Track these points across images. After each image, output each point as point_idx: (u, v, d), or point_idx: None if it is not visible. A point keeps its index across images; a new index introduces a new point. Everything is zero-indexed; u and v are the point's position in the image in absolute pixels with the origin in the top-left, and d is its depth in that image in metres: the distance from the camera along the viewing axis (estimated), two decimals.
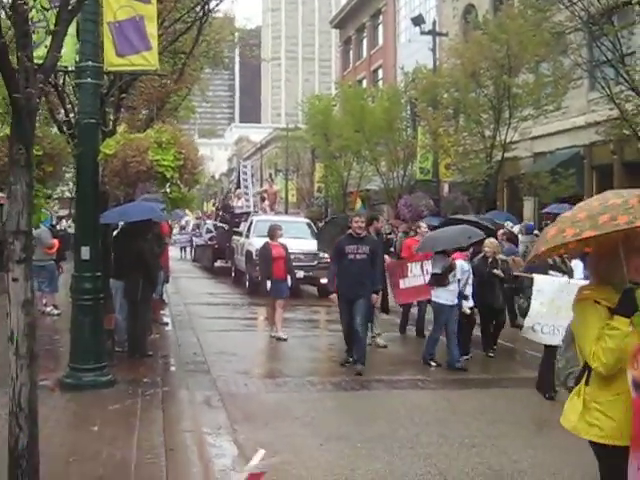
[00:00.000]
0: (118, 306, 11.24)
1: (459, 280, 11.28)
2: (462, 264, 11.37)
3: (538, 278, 9.04)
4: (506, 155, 23.76)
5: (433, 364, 11.08)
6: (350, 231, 11.07)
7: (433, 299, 11.27)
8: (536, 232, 20.46)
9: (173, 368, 10.60)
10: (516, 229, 20.41)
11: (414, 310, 14.18)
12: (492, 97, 23.44)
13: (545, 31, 20.57)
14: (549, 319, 8.76)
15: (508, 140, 23.38)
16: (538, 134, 25.52)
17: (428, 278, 12.21)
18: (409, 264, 12.62)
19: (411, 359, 12.08)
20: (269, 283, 13.14)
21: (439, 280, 11.10)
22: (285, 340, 13.11)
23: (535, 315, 8.93)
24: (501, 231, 15.54)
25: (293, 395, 9.40)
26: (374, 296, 11.12)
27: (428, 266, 12.39)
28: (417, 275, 12.46)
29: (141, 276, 11.07)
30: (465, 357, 11.42)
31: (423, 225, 14.33)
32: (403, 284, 12.56)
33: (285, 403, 9.00)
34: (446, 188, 30.99)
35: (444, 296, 11.08)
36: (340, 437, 7.47)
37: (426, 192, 28.30)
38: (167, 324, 14.74)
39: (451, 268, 11.06)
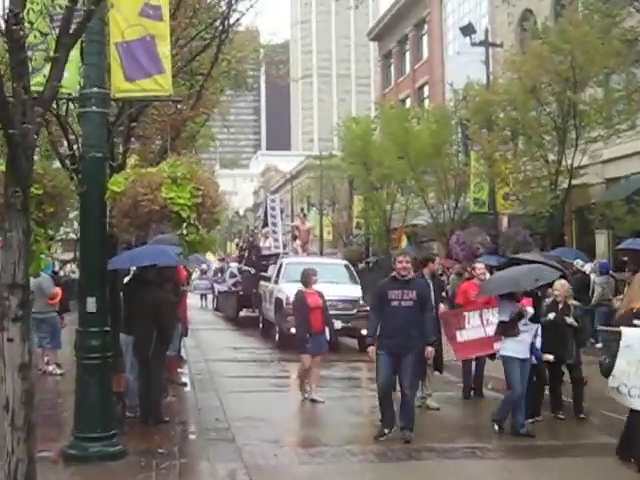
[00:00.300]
0: (129, 365, 11.27)
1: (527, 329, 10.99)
2: (530, 310, 11.18)
3: (627, 332, 8.82)
4: (574, 182, 23.61)
5: (497, 428, 10.90)
6: (394, 273, 10.81)
7: (501, 352, 11.01)
8: (612, 273, 20.23)
9: (192, 436, 10.58)
10: (587, 268, 20.23)
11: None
12: (555, 116, 23.37)
13: (614, 39, 20.53)
14: (638, 380, 8.60)
15: (575, 165, 23.25)
16: (610, 157, 25.32)
17: (490, 329, 12.14)
18: (467, 314, 12.60)
19: (468, 424, 11.95)
20: (309, 339, 13.13)
21: (507, 329, 10.83)
22: (322, 403, 13.02)
23: (620, 375, 8.72)
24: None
25: (329, 467, 9.31)
26: (428, 349, 10.66)
27: (489, 315, 12.35)
28: (477, 326, 12.42)
29: (155, 329, 11.10)
30: (531, 420, 11.22)
31: (479, 266, 14.21)
32: (461, 337, 12.51)
33: (321, 476, 8.92)
34: (505, 222, 30.83)
35: (514, 348, 10.78)
36: None
37: (482, 227, 28.14)
38: (185, 384, 14.74)
39: (521, 315, 10.77)
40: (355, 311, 19.83)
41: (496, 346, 12.47)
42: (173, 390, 13.53)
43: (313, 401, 13.10)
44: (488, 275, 21.06)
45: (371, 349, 10.68)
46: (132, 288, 11.43)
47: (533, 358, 11.24)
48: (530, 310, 11.00)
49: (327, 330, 13.40)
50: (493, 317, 12.24)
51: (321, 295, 13.44)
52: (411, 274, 10.80)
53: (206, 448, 9.72)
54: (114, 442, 9.05)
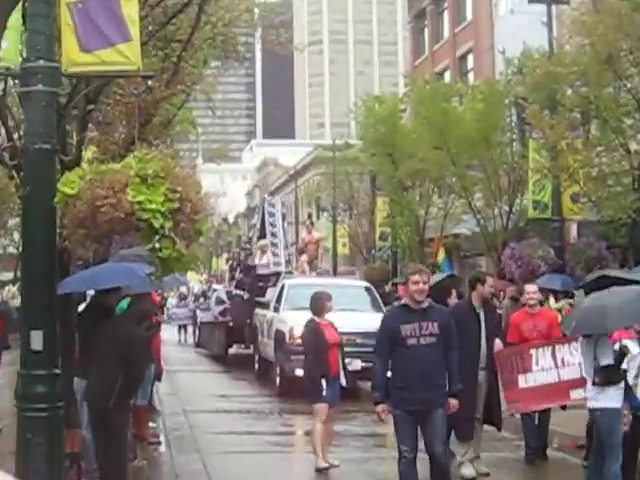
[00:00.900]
0: (86, 418, 11.29)
1: (625, 370, 10.38)
2: (632, 345, 10.55)
3: None
4: None
5: None
6: (404, 300, 10.29)
7: (599, 406, 10.24)
8: None
9: None
10: None
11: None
12: (638, 93, 23.36)
13: None
14: None
15: None
16: None
17: (565, 372, 12.10)
18: (534, 351, 12.51)
19: None
20: (324, 384, 12.96)
21: (612, 375, 10.21)
22: (337, 467, 12.97)
23: None
24: None
25: None
26: (452, 402, 10.10)
27: (565, 353, 12.25)
28: (548, 368, 12.34)
29: (119, 372, 11.09)
30: None
31: (530, 288, 14.00)
32: (525, 382, 12.42)
33: None
34: (574, 231, 30.80)
35: (616, 397, 10.23)
36: None
37: (543, 238, 28.13)
38: (159, 443, 14.76)
39: (623, 354, 10.21)
40: None
41: (574, 394, 12.38)
42: (143, 451, 13.54)
43: (327, 467, 12.92)
44: (553, 301, 21.16)
45: (381, 408, 10.02)
46: (89, 318, 11.41)
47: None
48: (633, 346, 10.43)
49: (342, 373, 13.34)
50: (571, 356, 12.17)
51: (334, 326, 13.46)
52: (428, 300, 10.09)
53: None
54: None
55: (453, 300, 13.58)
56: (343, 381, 13.30)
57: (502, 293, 23.92)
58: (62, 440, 9.36)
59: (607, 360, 10.11)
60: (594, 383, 10.25)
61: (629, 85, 23.71)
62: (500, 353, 12.62)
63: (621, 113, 23.82)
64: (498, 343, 12.76)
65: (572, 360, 12.18)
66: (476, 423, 12.39)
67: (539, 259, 26.46)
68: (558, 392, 12.37)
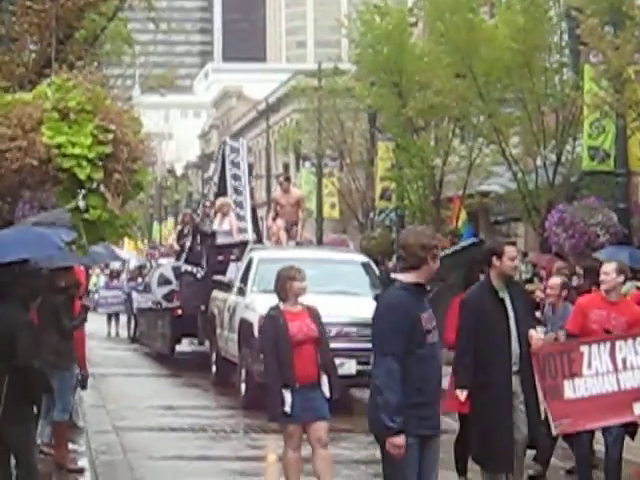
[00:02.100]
0: None
1: None
2: None
3: None
4: None
5: None
6: (416, 277, 9.76)
7: None
8: None
9: None
10: None
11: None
12: None
13: None
14: None
15: None
16: None
17: (629, 378, 12.10)
18: (585, 348, 12.30)
19: None
20: (288, 396, 12.89)
21: None
22: None
23: None
24: None
25: None
26: None
27: (628, 353, 12.13)
28: (605, 372, 12.17)
29: (5, 375, 11.09)
30: None
31: (609, 268, 13.80)
32: (573, 391, 12.27)
33: None
34: None
35: None
36: None
37: (604, 198, 28.30)
38: (82, 471, 14.84)
39: None
40: None
41: (638, 410, 12.37)
42: (59, 476, 13.63)
43: None
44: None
45: (403, 441, 9.31)
46: None
47: None
48: None
49: (324, 380, 13.21)
50: (637, 356, 12.07)
51: (314, 315, 13.15)
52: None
53: None
54: None
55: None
56: (326, 391, 13.05)
57: (546, 272, 24.00)
58: None
59: None
60: None
61: None
62: (540, 351, 12.11)
63: None
64: (537, 336, 12.28)
65: (638, 362, 12.03)
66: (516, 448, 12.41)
67: (598, 226, 26.61)
68: (618, 406, 12.09)
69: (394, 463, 9.26)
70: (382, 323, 9.34)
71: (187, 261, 29.38)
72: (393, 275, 9.68)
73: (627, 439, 13.65)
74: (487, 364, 11.68)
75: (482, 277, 13.24)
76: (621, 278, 13.09)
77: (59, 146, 8.71)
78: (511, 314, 11.83)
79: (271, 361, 12.85)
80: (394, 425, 8.99)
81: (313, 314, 12.77)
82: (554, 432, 12.41)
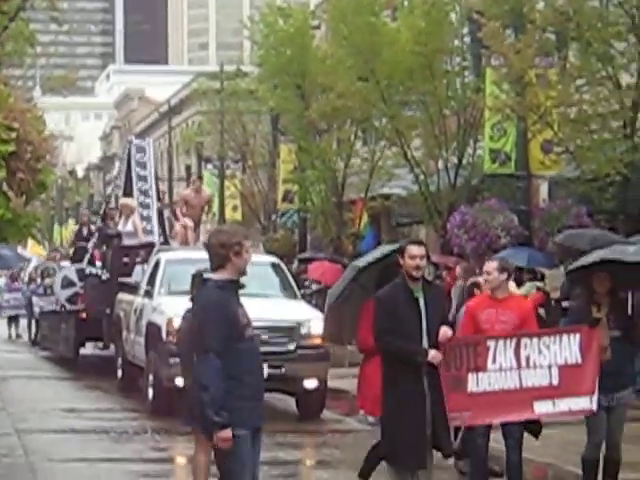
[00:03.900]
0: None
1: None
2: None
3: None
4: None
5: None
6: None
7: None
8: None
9: None
10: None
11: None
12: (633, 7, 23.69)
13: None
14: None
15: None
16: None
17: (531, 376, 12.15)
18: (491, 343, 12.30)
19: None
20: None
21: None
22: None
23: None
24: None
25: None
26: None
27: (532, 351, 12.19)
28: (508, 368, 12.22)
29: None
30: None
31: (490, 266, 14.05)
32: (475, 384, 12.29)
33: None
34: (544, 190, 31.19)
35: None
36: None
37: (504, 200, 28.48)
38: None
39: None
40: (293, 347, 19.66)
41: (539, 409, 12.44)
42: None
43: None
44: (513, 285, 21.37)
45: (228, 435, 9.40)
46: None
47: None
48: None
49: None
50: (540, 355, 12.08)
51: None
52: None
53: None
54: None
55: None
56: None
57: (450, 272, 24.10)
58: None
59: None
60: None
61: None
62: (446, 343, 11.99)
63: (609, 34, 24.10)
64: (444, 330, 12.11)
65: (541, 361, 12.04)
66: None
67: (498, 228, 26.79)
68: (519, 403, 12.11)
69: (230, 456, 9.47)
70: (202, 322, 9.57)
71: (90, 263, 29.21)
72: (206, 275, 10.06)
73: (532, 439, 13.82)
74: (402, 356, 11.72)
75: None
76: (504, 276, 13.26)
77: None
78: (424, 313, 11.76)
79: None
80: (221, 420, 9.20)
81: None
82: (451, 424, 12.37)
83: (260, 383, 9.93)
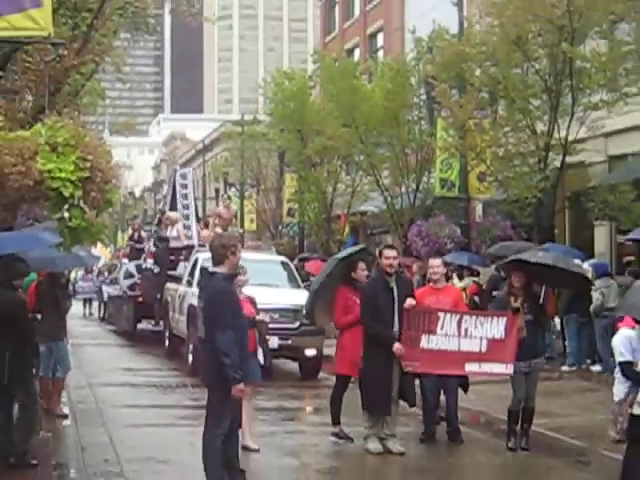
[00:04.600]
0: None
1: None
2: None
3: None
4: (568, 160, 23.94)
5: None
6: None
7: None
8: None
9: None
10: (589, 268, 20.52)
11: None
12: (546, 74, 23.66)
13: None
14: None
15: (571, 138, 23.57)
16: (615, 129, 25.64)
17: (467, 343, 12.24)
18: (442, 315, 12.41)
19: (431, 466, 12.11)
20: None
21: None
22: (256, 451, 12.47)
23: None
24: None
25: None
26: None
27: (470, 325, 12.33)
28: (451, 335, 12.30)
29: (8, 344, 10.86)
30: None
31: (435, 263, 14.03)
32: (427, 343, 12.34)
33: None
34: (479, 210, 31.14)
35: None
36: None
37: (450, 216, 28.43)
38: (66, 416, 14.64)
39: None
40: (297, 325, 19.58)
41: (469, 368, 12.63)
42: (48, 423, 13.41)
43: (245, 448, 12.69)
44: (457, 279, 21.30)
45: (243, 387, 9.71)
46: None
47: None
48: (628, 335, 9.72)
49: (260, 351, 12.72)
50: (475, 329, 12.34)
51: (253, 302, 13.05)
52: None
53: None
54: None
55: (360, 274, 13.40)
56: (261, 359, 12.78)
57: (408, 269, 24.08)
58: None
59: None
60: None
61: (537, 66, 24.03)
62: (410, 310, 12.33)
63: (528, 94, 24.09)
64: (409, 300, 12.50)
65: (475, 333, 12.35)
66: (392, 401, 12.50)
67: (445, 237, 26.78)
68: (454, 362, 12.38)
69: (229, 403, 9.64)
70: (218, 304, 9.63)
71: (145, 259, 29.12)
72: (211, 269, 10.04)
73: (471, 394, 13.86)
74: (379, 332, 12.29)
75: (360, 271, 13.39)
76: (444, 270, 14.26)
77: (49, 171, 8.56)
78: (396, 298, 12.24)
79: None
80: (239, 377, 9.37)
81: (252, 301, 12.69)
82: (405, 369, 12.43)
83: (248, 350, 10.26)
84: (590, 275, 20.14)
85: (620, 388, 8.84)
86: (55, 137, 8.70)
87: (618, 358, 9.27)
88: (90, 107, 25.75)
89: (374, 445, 12.33)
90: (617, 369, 9.03)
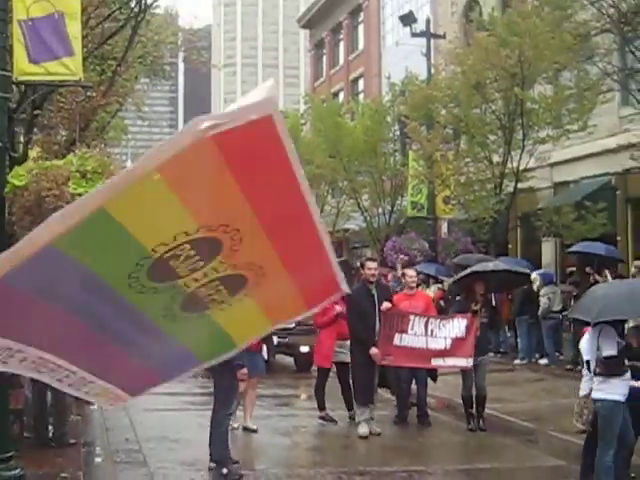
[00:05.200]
0: (28, 379, 11.11)
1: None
2: None
3: None
4: (520, 186, 24.03)
5: None
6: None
7: (602, 396, 8.80)
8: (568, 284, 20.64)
9: (99, 459, 10.51)
10: (537, 278, 20.69)
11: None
12: (501, 114, 23.77)
13: (566, 33, 20.94)
14: None
15: (522, 167, 23.65)
16: (559, 160, 25.81)
17: (432, 342, 12.34)
18: (412, 317, 12.58)
19: (403, 445, 12.09)
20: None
21: (613, 367, 8.75)
22: (255, 432, 12.60)
23: None
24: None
25: None
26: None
27: (435, 327, 12.45)
28: (420, 335, 12.46)
29: None
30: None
31: (411, 273, 14.23)
32: (399, 340, 12.48)
33: None
34: (444, 227, 31.21)
35: (620, 389, 8.72)
36: None
37: (420, 233, 28.51)
38: (93, 403, 14.58)
39: (629, 347, 8.85)
40: (293, 325, 19.55)
41: (435, 362, 12.73)
42: (78, 408, 13.39)
43: (246, 429, 12.76)
44: (424, 286, 21.28)
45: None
46: None
47: None
48: None
49: (264, 348, 12.71)
50: (439, 330, 12.48)
51: None
52: None
53: (114, 472, 9.67)
54: (10, 466, 8.90)
55: None
56: (265, 354, 12.76)
57: (385, 277, 24.12)
58: (7, 398, 9.18)
59: (610, 351, 8.77)
60: (596, 373, 8.93)
61: (493, 107, 24.12)
62: (387, 312, 12.52)
63: (486, 130, 24.19)
64: (386, 304, 12.66)
65: (439, 333, 12.48)
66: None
67: (415, 250, 26.85)
68: (422, 357, 12.53)
69: (229, 389, 10.09)
70: None
71: None
72: None
73: (440, 383, 13.89)
74: (364, 334, 12.39)
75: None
76: (417, 278, 14.52)
77: (79, 194, 8.57)
78: (377, 303, 12.37)
79: None
80: (241, 363, 10.04)
81: None
82: (380, 363, 12.51)
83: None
84: (538, 282, 20.41)
85: (587, 384, 8.87)
86: (85, 165, 8.72)
87: (585, 357, 9.29)
88: (115, 140, 25.78)
89: (363, 430, 12.38)
90: (585, 367, 9.06)
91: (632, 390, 8.81)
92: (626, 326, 10.03)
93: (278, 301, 4.17)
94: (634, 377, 8.90)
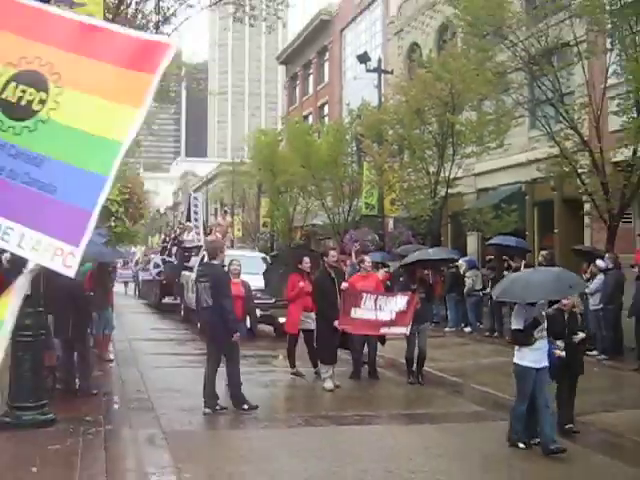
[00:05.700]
0: (59, 342, 11.03)
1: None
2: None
3: None
4: (450, 191, 24.07)
5: (522, 446, 8.61)
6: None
7: (515, 361, 8.71)
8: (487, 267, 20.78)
9: (116, 406, 10.42)
10: (463, 264, 20.88)
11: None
12: (436, 134, 23.81)
13: (488, 70, 20.96)
14: None
15: (452, 176, 23.71)
16: (481, 170, 25.95)
17: (380, 314, 12.32)
18: (365, 295, 12.57)
19: (356, 395, 12.10)
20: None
21: (522, 338, 8.65)
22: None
23: None
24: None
25: (237, 432, 9.30)
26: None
27: (383, 302, 12.44)
28: (370, 309, 12.43)
29: (70, 313, 10.79)
30: (569, 426, 9.31)
31: (367, 259, 14.28)
32: (354, 313, 12.48)
33: (229, 440, 8.87)
34: (391, 223, 31.24)
35: (529, 357, 8.57)
36: (285, 474, 7.40)
37: (371, 227, 28.50)
38: (112, 360, 14.51)
39: (536, 323, 8.61)
40: (274, 300, 19.42)
41: (382, 330, 12.72)
42: (100, 365, 13.32)
43: None
44: (382, 271, 21.28)
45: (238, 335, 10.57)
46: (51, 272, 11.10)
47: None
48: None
49: (248, 318, 12.57)
50: (386, 305, 12.45)
51: (245, 285, 12.93)
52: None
53: (128, 416, 9.59)
54: (45, 411, 8.83)
55: (304, 265, 13.32)
56: (248, 324, 12.72)
57: (343, 263, 24.05)
58: (42, 357, 9.11)
59: (517, 324, 8.65)
60: (508, 342, 8.89)
61: (430, 129, 24.14)
62: (346, 291, 12.52)
63: (424, 147, 24.21)
64: (344, 284, 12.69)
65: (386, 307, 12.44)
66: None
67: (368, 241, 26.83)
68: (373, 326, 12.50)
69: (218, 350, 10.48)
70: (222, 282, 10.46)
71: (168, 255, 28.86)
72: (209, 261, 10.72)
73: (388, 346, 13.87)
74: (327, 309, 12.34)
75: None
76: (371, 264, 14.24)
77: None
78: (336, 284, 12.39)
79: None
80: (236, 327, 10.38)
81: (244, 284, 12.28)
82: (340, 329, 12.46)
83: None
84: (463, 267, 20.50)
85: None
86: None
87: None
88: (129, 152, 25.54)
89: (329, 385, 12.30)
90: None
91: (552, 358, 8.70)
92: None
93: (112, 84, 3.32)
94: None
